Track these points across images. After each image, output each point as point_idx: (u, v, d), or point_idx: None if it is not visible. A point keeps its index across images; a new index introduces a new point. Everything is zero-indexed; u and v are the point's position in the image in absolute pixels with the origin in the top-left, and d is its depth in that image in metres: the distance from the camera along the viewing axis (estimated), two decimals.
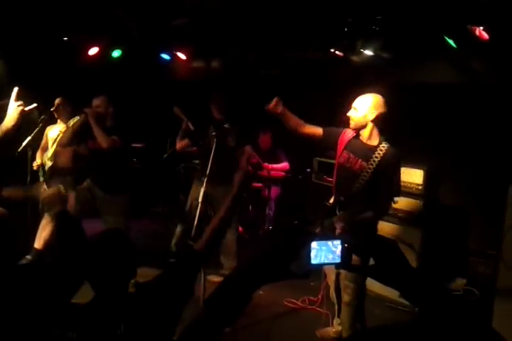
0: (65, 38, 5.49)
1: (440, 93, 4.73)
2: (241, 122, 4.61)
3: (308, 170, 5.43)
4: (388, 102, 3.15)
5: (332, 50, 5.03)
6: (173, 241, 4.68)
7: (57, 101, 4.53)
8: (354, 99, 3.16)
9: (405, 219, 4.23)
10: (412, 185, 4.22)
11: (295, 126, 3.35)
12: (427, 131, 4.86)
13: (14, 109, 2.87)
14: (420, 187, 4.18)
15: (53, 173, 4.64)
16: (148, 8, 4.74)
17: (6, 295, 1.58)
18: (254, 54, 5.81)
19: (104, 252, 1.69)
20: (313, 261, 1.29)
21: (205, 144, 4.37)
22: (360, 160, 3.10)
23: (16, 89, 2.92)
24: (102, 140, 3.92)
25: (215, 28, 5.09)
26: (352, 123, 3.12)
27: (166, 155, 6.47)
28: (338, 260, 1.30)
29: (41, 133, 4.53)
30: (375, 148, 3.08)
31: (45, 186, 4.66)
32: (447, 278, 4.48)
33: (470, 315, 1.24)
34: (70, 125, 4.16)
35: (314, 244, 1.28)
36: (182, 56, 6.16)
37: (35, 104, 3.03)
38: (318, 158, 5.28)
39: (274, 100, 3.15)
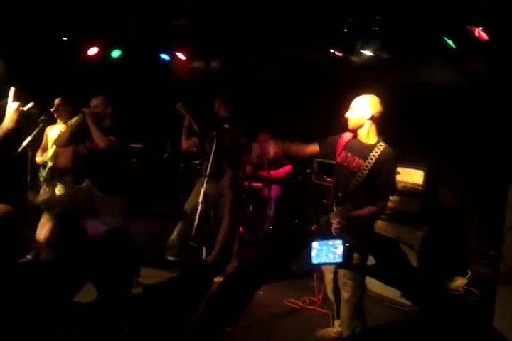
0: (65, 38, 5.49)
1: (439, 93, 4.74)
2: (241, 122, 4.61)
3: (309, 170, 5.43)
4: (388, 103, 3.19)
5: (332, 51, 5.04)
6: (172, 238, 4.67)
7: (57, 101, 4.53)
8: (353, 100, 3.21)
9: (406, 219, 4.22)
10: (412, 186, 4.22)
11: (296, 154, 3.54)
12: (427, 131, 4.87)
13: (12, 109, 2.87)
14: (420, 188, 4.19)
15: (53, 173, 4.65)
16: (148, 8, 4.75)
17: (10, 295, 1.58)
18: (254, 54, 5.81)
19: (107, 252, 1.69)
20: (315, 261, 1.29)
21: (207, 144, 4.38)
22: (357, 158, 3.14)
23: (12, 90, 2.92)
24: (100, 140, 3.92)
25: (214, 29, 5.10)
26: (350, 124, 3.18)
27: (165, 156, 6.47)
28: (339, 260, 1.30)
29: (41, 134, 4.53)
30: (372, 147, 3.13)
31: (45, 186, 4.66)
32: (448, 278, 4.48)
33: (471, 315, 1.24)
34: (69, 125, 4.16)
35: (315, 244, 1.28)
36: (181, 56, 6.16)
37: (32, 103, 3.03)
38: (318, 159, 5.28)
39: (271, 149, 3.24)
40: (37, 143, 4.52)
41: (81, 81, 5.64)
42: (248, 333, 3.40)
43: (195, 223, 3.94)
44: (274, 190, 5.73)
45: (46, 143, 4.75)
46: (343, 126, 3.28)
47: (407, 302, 3.54)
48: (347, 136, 3.29)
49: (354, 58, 4.99)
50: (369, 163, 3.07)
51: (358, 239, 1.34)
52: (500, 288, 3.38)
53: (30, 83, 5.31)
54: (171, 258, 4.62)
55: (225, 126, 4.35)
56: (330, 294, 3.53)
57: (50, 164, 4.65)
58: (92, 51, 5.66)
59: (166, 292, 1.70)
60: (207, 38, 5.46)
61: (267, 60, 5.86)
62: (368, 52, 4.76)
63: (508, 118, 4.31)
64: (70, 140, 4.15)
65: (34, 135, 4.18)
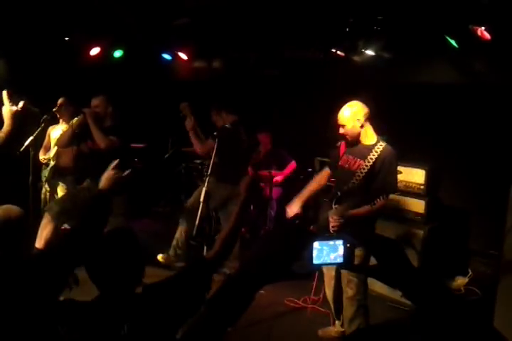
0: (67, 38, 5.49)
1: (442, 93, 4.73)
2: (241, 122, 4.61)
3: (310, 169, 5.43)
4: (390, 102, 3.21)
5: (333, 50, 5.04)
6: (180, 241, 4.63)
7: (59, 101, 4.54)
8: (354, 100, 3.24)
9: (407, 218, 4.23)
10: (413, 185, 4.22)
11: (318, 189, 3.53)
12: (429, 130, 4.87)
13: (6, 111, 2.88)
14: (422, 187, 4.19)
15: (55, 173, 4.65)
16: (150, 8, 4.75)
17: (10, 293, 1.59)
18: (256, 54, 5.81)
19: (110, 251, 1.68)
20: (316, 261, 1.29)
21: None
22: (358, 159, 3.18)
23: (4, 93, 2.94)
24: (100, 140, 3.91)
25: (216, 28, 5.10)
26: (348, 138, 3.23)
27: (167, 155, 6.48)
28: (340, 260, 1.30)
29: (43, 133, 4.54)
30: (372, 147, 3.16)
31: (46, 186, 4.67)
32: (449, 278, 4.48)
33: (471, 315, 1.24)
34: (70, 126, 4.16)
35: (316, 244, 1.29)
36: (183, 56, 6.16)
37: (22, 101, 3.04)
38: (319, 158, 5.28)
39: (292, 211, 3.27)
40: (39, 142, 4.53)
41: (83, 81, 5.65)
42: (249, 332, 3.40)
43: (197, 222, 3.94)
44: (276, 190, 5.73)
45: (49, 143, 4.76)
46: (344, 140, 3.31)
47: (408, 301, 3.55)
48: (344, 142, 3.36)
49: (356, 58, 4.99)
50: (368, 162, 3.10)
51: (359, 239, 1.34)
52: (501, 288, 3.37)
53: (32, 83, 5.33)
54: (179, 264, 4.55)
55: (227, 125, 4.36)
56: (329, 292, 3.53)
57: (52, 164, 4.66)
58: (94, 51, 5.67)
59: (166, 290, 1.70)
60: (208, 38, 5.46)
61: (268, 60, 5.86)
62: (370, 52, 4.76)
63: (510, 117, 4.31)
64: (71, 141, 4.15)
65: (36, 134, 4.18)
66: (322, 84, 5.60)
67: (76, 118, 4.10)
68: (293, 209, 3.31)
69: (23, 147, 4.13)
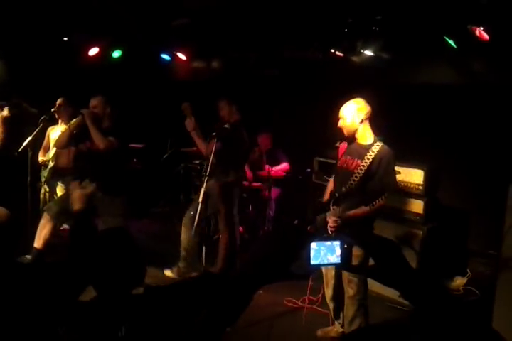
0: (66, 38, 5.49)
1: (440, 93, 4.73)
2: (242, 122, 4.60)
3: (309, 170, 5.43)
4: (389, 102, 3.22)
5: (332, 51, 5.04)
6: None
7: (58, 101, 4.54)
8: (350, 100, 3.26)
9: (406, 219, 4.23)
10: (412, 185, 4.22)
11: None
12: (428, 131, 4.87)
13: None
14: (420, 187, 4.19)
15: (54, 173, 4.65)
16: (149, 8, 4.75)
17: (12, 295, 1.59)
18: (255, 54, 5.82)
19: (106, 251, 1.68)
20: (313, 262, 1.29)
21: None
22: (355, 159, 3.20)
23: None
24: (99, 141, 3.90)
25: (215, 28, 5.10)
26: (345, 132, 3.27)
27: (166, 156, 6.47)
28: (337, 260, 1.30)
29: (42, 134, 4.53)
30: (369, 147, 3.18)
31: (45, 186, 4.67)
32: (448, 278, 4.48)
33: (470, 315, 1.24)
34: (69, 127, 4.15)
35: (313, 245, 1.29)
36: (182, 56, 6.17)
37: (6, 108, 3.03)
38: (318, 158, 5.29)
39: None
40: (37, 143, 4.53)
41: (82, 81, 5.65)
42: (248, 333, 3.40)
43: (195, 223, 3.94)
44: (274, 190, 5.73)
45: (48, 144, 4.76)
46: (340, 133, 3.32)
47: (406, 301, 3.55)
48: (345, 143, 3.38)
49: (355, 58, 4.99)
50: (366, 162, 3.11)
51: (357, 239, 1.34)
52: (500, 288, 3.38)
53: (30, 83, 5.33)
54: (194, 274, 4.23)
55: (225, 126, 4.35)
56: (328, 291, 3.53)
57: (51, 164, 4.66)
58: (93, 51, 5.67)
59: (168, 296, 1.70)
60: (207, 38, 5.46)
61: (267, 60, 5.86)
62: (368, 52, 4.76)
63: (509, 117, 4.31)
64: (69, 142, 4.13)
65: (34, 135, 4.18)
66: (321, 85, 5.60)
67: (74, 120, 4.09)
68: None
69: (22, 147, 4.12)
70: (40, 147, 4.75)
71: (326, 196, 3.43)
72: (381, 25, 4.31)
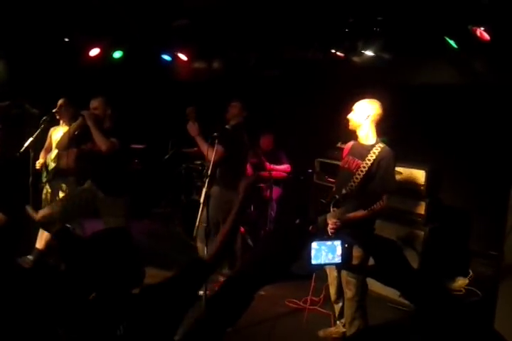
0: (67, 39, 5.50)
1: (441, 94, 4.73)
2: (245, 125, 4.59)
3: (310, 170, 5.43)
4: (390, 103, 3.24)
5: (333, 51, 5.04)
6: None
7: (60, 102, 4.54)
8: (354, 101, 3.28)
9: (407, 219, 4.23)
10: (414, 186, 4.22)
11: None
12: (429, 131, 4.86)
13: None
14: (422, 188, 4.18)
15: (56, 174, 4.65)
16: (149, 8, 4.75)
17: (10, 295, 1.59)
18: (255, 54, 5.82)
19: (104, 251, 1.68)
20: (314, 262, 1.29)
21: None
22: (357, 160, 3.20)
23: None
24: (101, 143, 3.89)
25: (216, 29, 5.10)
26: (350, 124, 3.28)
27: (167, 156, 6.48)
28: (338, 260, 1.30)
29: (43, 134, 4.54)
30: (371, 148, 3.18)
31: (47, 187, 4.67)
32: (449, 278, 4.47)
33: (472, 316, 1.24)
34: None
35: (314, 245, 1.29)
36: (183, 57, 6.17)
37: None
38: (319, 159, 5.28)
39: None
40: (39, 143, 4.53)
41: (83, 82, 5.65)
42: (249, 333, 3.40)
43: (197, 223, 3.93)
44: (276, 191, 5.73)
45: (50, 144, 4.75)
46: (344, 126, 3.32)
47: (407, 302, 3.55)
48: (350, 143, 3.39)
49: (356, 58, 4.99)
50: (366, 163, 3.12)
51: (358, 240, 1.34)
52: (502, 288, 3.37)
53: (31, 84, 5.34)
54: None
55: (227, 126, 4.35)
56: (333, 292, 3.53)
57: (53, 165, 4.66)
58: (94, 52, 5.67)
59: (163, 291, 1.70)
60: (208, 39, 5.46)
61: (268, 61, 5.86)
62: (369, 53, 4.76)
63: (510, 118, 4.31)
64: (70, 143, 4.12)
65: (36, 136, 4.18)
66: (322, 85, 5.60)
67: (75, 122, 4.09)
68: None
69: (23, 148, 4.13)
70: (42, 148, 4.75)
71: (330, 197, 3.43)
72: (382, 26, 4.31)
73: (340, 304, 3.51)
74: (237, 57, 6.01)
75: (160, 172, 6.65)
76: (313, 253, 1.28)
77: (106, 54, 5.79)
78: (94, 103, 4.10)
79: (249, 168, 5.45)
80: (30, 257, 4.50)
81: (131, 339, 1.56)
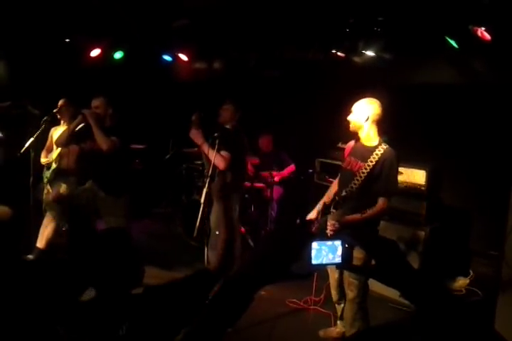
0: (67, 40, 5.51)
1: (442, 94, 4.73)
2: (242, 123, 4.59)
3: (311, 170, 5.43)
4: (390, 103, 3.22)
5: (334, 51, 5.04)
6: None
7: (60, 102, 4.55)
8: (354, 101, 3.25)
9: (408, 219, 4.22)
10: (414, 186, 4.22)
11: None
12: (430, 131, 4.86)
13: None
14: (423, 188, 4.18)
15: (57, 174, 4.66)
16: (150, 9, 4.75)
17: (12, 294, 1.59)
18: (256, 55, 5.82)
19: (105, 251, 1.68)
20: (314, 262, 1.29)
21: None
22: (359, 161, 3.18)
23: None
24: (102, 142, 3.89)
25: (216, 29, 5.10)
26: (350, 126, 3.26)
27: (168, 156, 6.48)
28: (338, 260, 1.30)
29: (44, 135, 4.54)
30: (373, 149, 3.16)
31: (48, 187, 4.68)
32: (450, 278, 4.47)
33: (472, 316, 1.24)
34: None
35: (315, 245, 1.29)
36: (184, 57, 6.17)
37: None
38: (320, 159, 5.29)
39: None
40: (40, 143, 4.53)
41: (83, 82, 5.66)
42: (250, 333, 3.40)
43: (197, 223, 3.93)
44: (276, 191, 5.74)
45: (51, 144, 4.76)
46: (345, 126, 3.31)
47: (408, 302, 3.54)
48: (351, 143, 3.36)
49: (356, 59, 5.00)
50: (368, 165, 3.10)
51: (360, 241, 1.34)
52: (502, 288, 3.37)
53: (32, 84, 5.35)
54: None
55: (227, 127, 4.35)
56: (334, 294, 3.53)
57: (54, 165, 4.67)
58: (95, 52, 5.68)
59: (167, 294, 1.70)
60: (209, 39, 5.47)
61: (268, 61, 5.86)
62: (370, 53, 4.76)
63: (511, 118, 4.31)
64: (69, 140, 4.12)
65: (37, 136, 4.19)
66: (322, 85, 5.60)
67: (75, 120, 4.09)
68: (310, 214, 3.34)
69: (24, 148, 4.13)
70: (43, 148, 4.76)
71: (326, 197, 3.43)
72: (383, 26, 4.31)
73: (343, 305, 3.50)
74: (238, 58, 6.02)
75: (161, 172, 6.66)
76: (313, 253, 1.28)
77: (106, 54, 5.79)
78: (95, 102, 4.10)
79: (250, 168, 5.46)
80: (30, 256, 4.50)
81: (134, 339, 1.56)
